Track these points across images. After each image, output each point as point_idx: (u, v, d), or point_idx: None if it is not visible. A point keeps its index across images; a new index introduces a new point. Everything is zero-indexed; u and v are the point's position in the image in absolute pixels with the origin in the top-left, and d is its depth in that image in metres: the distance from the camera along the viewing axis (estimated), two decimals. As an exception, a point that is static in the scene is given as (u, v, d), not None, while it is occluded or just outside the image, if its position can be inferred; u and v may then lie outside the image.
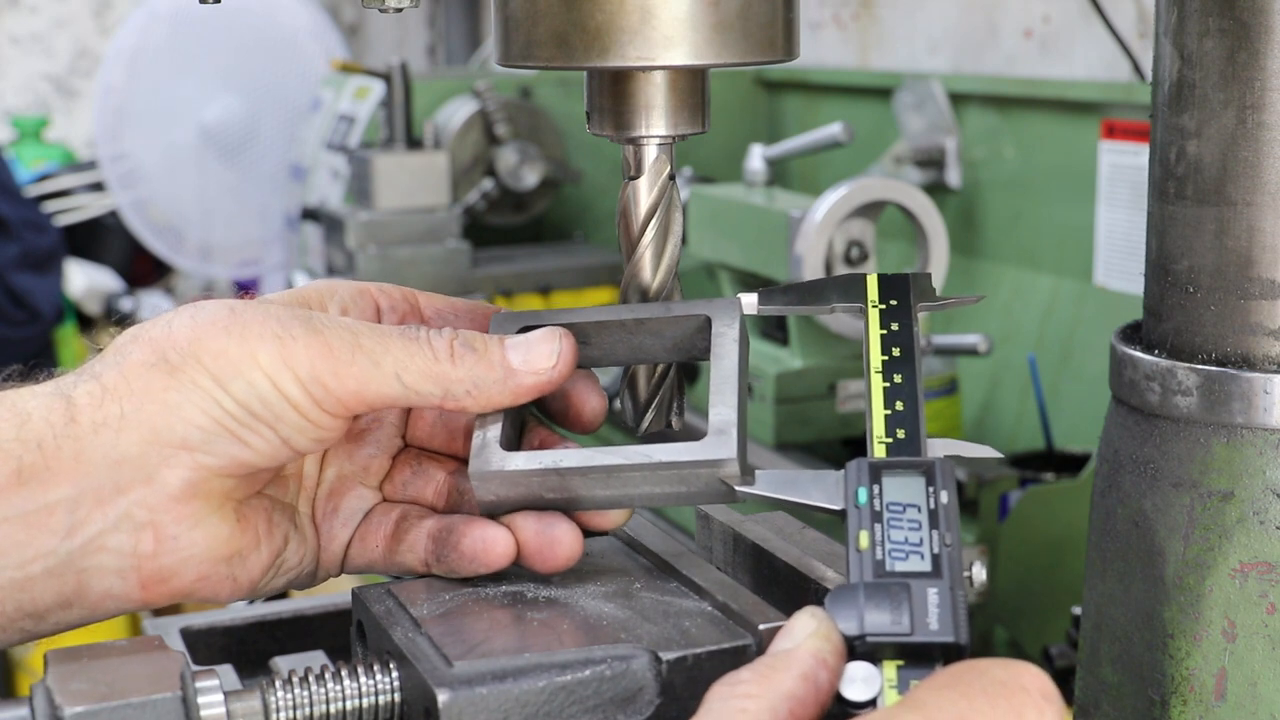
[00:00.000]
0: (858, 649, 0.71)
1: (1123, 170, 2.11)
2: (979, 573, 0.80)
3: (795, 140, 1.99)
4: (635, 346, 0.90)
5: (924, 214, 1.78)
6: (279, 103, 3.62)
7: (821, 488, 0.80)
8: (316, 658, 0.96)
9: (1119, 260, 2.13)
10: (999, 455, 0.86)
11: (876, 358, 0.84)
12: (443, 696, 0.74)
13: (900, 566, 0.73)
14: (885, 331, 0.85)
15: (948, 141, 2.40)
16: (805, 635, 0.70)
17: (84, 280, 4.08)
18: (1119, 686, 0.94)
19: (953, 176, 2.40)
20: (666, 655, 0.78)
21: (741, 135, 2.56)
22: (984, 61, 2.57)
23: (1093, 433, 1.03)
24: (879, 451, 0.80)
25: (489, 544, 0.86)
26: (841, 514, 0.78)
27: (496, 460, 0.84)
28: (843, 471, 0.79)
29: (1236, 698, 0.87)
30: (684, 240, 0.93)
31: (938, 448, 0.80)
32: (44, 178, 4.39)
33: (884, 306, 0.87)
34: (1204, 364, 0.90)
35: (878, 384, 0.83)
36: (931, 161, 2.41)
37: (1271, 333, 0.89)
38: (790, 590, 0.85)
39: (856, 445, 1.81)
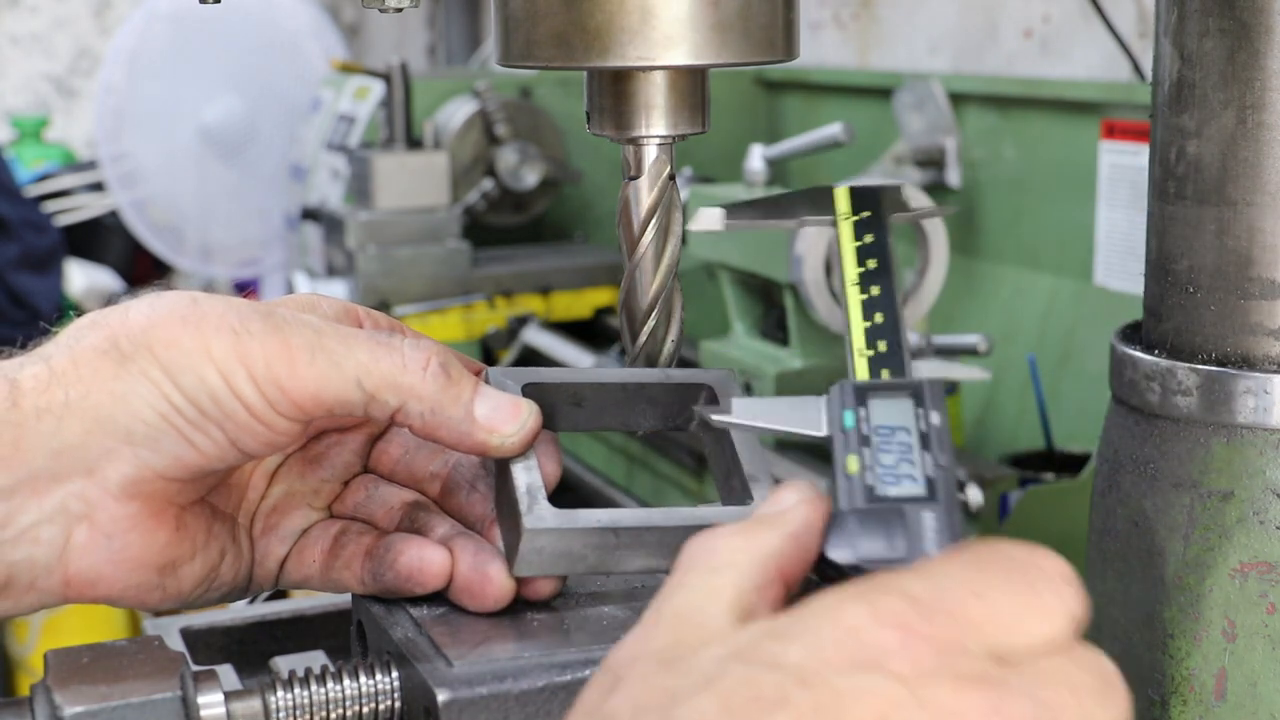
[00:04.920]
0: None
1: (1123, 170, 2.11)
2: (974, 495, 0.77)
3: (795, 140, 1.99)
4: (628, 412, 0.88)
5: (924, 214, 1.78)
6: (279, 103, 3.63)
7: (803, 414, 0.75)
8: (316, 658, 0.96)
9: (1119, 260, 2.13)
10: (985, 376, 0.83)
11: (852, 270, 0.80)
12: (443, 696, 0.74)
13: (892, 491, 0.69)
14: (860, 243, 0.82)
15: (948, 141, 2.40)
16: (795, 501, 0.67)
17: (84, 280, 4.07)
18: (1119, 686, 0.94)
19: (953, 176, 2.40)
20: (666, 655, 0.78)
21: (741, 135, 2.56)
22: (984, 61, 2.57)
23: (1093, 433, 1.03)
24: (860, 365, 0.76)
25: (426, 563, 0.82)
26: (826, 440, 0.74)
27: (551, 516, 0.80)
28: (825, 396, 0.75)
29: (1236, 698, 0.87)
30: (684, 240, 0.93)
31: (923, 369, 0.76)
32: (44, 178, 4.39)
33: (856, 218, 0.83)
34: (1204, 364, 0.89)
35: (855, 297, 0.79)
36: (931, 161, 2.41)
37: (1271, 333, 0.89)
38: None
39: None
